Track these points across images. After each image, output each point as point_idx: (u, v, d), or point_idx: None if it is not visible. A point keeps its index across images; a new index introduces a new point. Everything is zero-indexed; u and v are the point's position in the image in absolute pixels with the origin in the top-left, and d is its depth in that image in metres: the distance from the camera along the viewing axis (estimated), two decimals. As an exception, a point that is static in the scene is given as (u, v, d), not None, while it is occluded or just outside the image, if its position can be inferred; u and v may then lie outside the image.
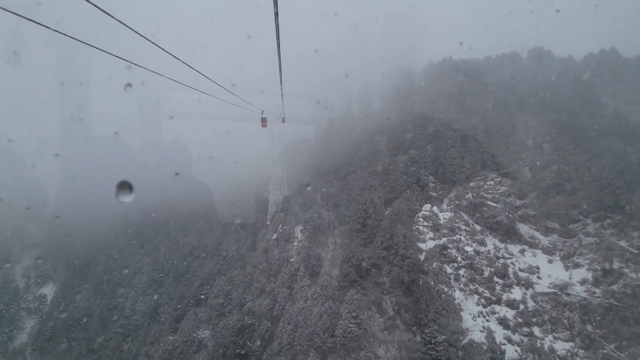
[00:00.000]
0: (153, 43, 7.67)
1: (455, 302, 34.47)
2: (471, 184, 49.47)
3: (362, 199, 50.99)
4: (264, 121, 24.33)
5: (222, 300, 49.44)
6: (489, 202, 45.80)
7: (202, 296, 55.15)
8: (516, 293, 37.00)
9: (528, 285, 37.52)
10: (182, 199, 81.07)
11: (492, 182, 48.53)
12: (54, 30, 6.05)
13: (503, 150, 50.27)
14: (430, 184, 52.86)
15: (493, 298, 36.73)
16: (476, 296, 36.99)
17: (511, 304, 36.00)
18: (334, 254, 51.15)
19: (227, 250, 63.13)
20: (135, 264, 71.24)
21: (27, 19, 5.46)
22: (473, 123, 55.93)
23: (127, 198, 7.05)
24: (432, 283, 34.34)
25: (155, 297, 63.70)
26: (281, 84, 13.15)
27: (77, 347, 61.32)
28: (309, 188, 61.37)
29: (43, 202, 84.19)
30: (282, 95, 16.86)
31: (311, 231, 52.27)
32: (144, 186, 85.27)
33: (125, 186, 6.90)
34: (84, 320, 64.66)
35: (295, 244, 52.40)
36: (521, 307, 35.75)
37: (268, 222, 62.89)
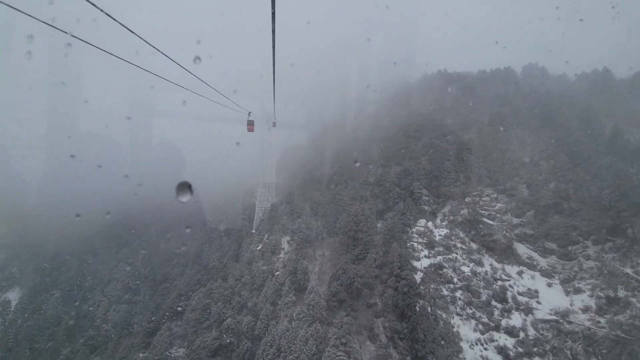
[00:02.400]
0: (144, 40, 7.33)
1: (454, 329, 30.94)
2: (466, 199, 46.54)
3: (353, 210, 47.41)
4: (250, 124, 20.59)
5: (199, 315, 44.69)
6: (485, 219, 42.83)
7: (179, 308, 50.14)
8: (515, 319, 33.77)
9: (527, 310, 34.36)
10: (165, 201, 75.85)
11: (488, 198, 45.72)
12: (44, 22, 5.80)
13: (499, 165, 47.61)
14: (424, 197, 49.71)
15: (491, 324, 33.40)
16: (473, 321, 33.59)
17: (510, 332, 32.70)
18: (322, 268, 47.21)
19: (209, 258, 58.35)
20: (110, 269, 65.56)
21: (17, 10, 5.27)
22: (469, 136, 53.34)
23: (185, 197, 7.08)
24: (430, 309, 30.77)
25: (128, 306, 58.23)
26: (274, 88, 12.28)
27: (41, 358, 55.19)
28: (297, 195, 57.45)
29: (16, 199, 77.28)
30: (274, 99, 15.21)
31: (298, 242, 48.29)
32: (125, 186, 79.68)
33: (185, 187, 6.95)
34: (51, 329, 58.55)
35: (281, 255, 48.24)
36: (521, 334, 32.48)
37: (253, 231, 58.53)
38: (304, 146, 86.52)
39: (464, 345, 30.48)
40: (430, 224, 42.55)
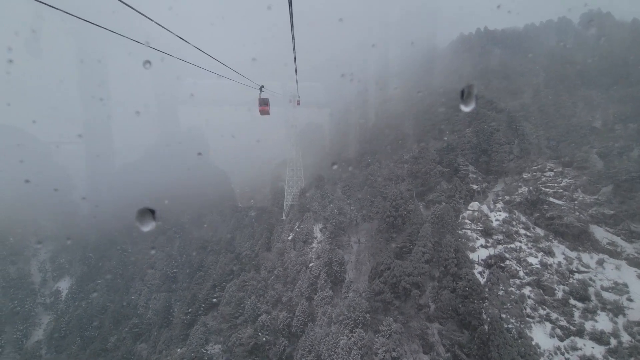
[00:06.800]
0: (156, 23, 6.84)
1: (533, 342, 24.18)
2: (524, 175, 38.11)
3: (390, 193, 40.60)
4: (263, 104, 14.19)
5: (234, 309, 40.83)
6: (550, 199, 34.54)
7: (214, 300, 46.87)
8: (603, 322, 26.40)
9: (617, 310, 26.78)
10: (196, 188, 72.68)
11: (551, 173, 37.00)
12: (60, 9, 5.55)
13: (563, 133, 38.35)
14: (471, 175, 41.78)
15: (572, 328, 26.29)
16: (549, 325, 26.64)
17: (598, 338, 25.49)
18: (359, 258, 41.45)
19: (241, 247, 54.43)
20: (148, 258, 63.85)
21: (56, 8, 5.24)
22: (522, 102, 43.76)
23: (148, 226, 6.39)
24: (501, 315, 24.08)
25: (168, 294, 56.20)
26: (295, 65, 10.88)
27: (91, 346, 54.81)
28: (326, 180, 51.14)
29: (58, 192, 76.82)
30: (296, 76, 12.63)
31: (332, 230, 42.48)
32: (157, 174, 77.14)
33: (146, 213, 6.30)
34: (98, 317, 58.10)
35: (314, 245, 42.82)
36: (612, 341, 25.24)
37: (284, 217, 53.37)
38: (329, 124, 79.26)
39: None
40: (484, 207, 34.92)
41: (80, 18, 5.81)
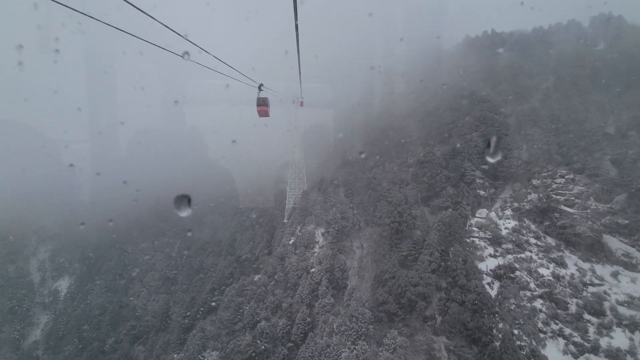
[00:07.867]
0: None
1: (547, 361, 22.69)
2: (533, 182, 36.59)
3: (395, 198, 39.18)
4: (262, 105, 12.89)
5: (232, 315, 39.49)
6: (562, 207, 33.02)
7: (213, 303, 45.63)
8: (619, 338, 24.85)
9: (634, 326, 25.24)
10: (197, 188, 71.39)
11: (562, 180, 35.47)
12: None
13: (575, 139, 36.83)
14: (478, 181, 40.29)
15: (586, 344, 24.78)
16: (562, 340, 25.14)
17: (614, 355, 23.95)
18: (362, 263, 40.02)
19: (241, 249, 53.06)
20: (148, 259, 62.73)
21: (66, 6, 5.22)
22: (531, 105, 42.28)
23: (185, 211, 6.72)
24: (513, 332, 22.62)
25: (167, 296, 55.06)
26: (299, 65, 10.80)
27: (89, 347, 53.66)
28: (334, 182, 49.79)
29: (59, 191, 75.88)
30: (300, 76, 12.03)
31: (334, 235, 41.11)
32: (159, 174, 76.00)
33: (183, 199, 6.54)
34: (97, 318, 56.98)
35: (315, 250, 41.42)
36: (629, 360, 23.74)
37: (285, 220, 52.07)
38: (333, 126, 77.68)
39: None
40: (493, 214, 33.43)
41: (82, 13, 5.77)
